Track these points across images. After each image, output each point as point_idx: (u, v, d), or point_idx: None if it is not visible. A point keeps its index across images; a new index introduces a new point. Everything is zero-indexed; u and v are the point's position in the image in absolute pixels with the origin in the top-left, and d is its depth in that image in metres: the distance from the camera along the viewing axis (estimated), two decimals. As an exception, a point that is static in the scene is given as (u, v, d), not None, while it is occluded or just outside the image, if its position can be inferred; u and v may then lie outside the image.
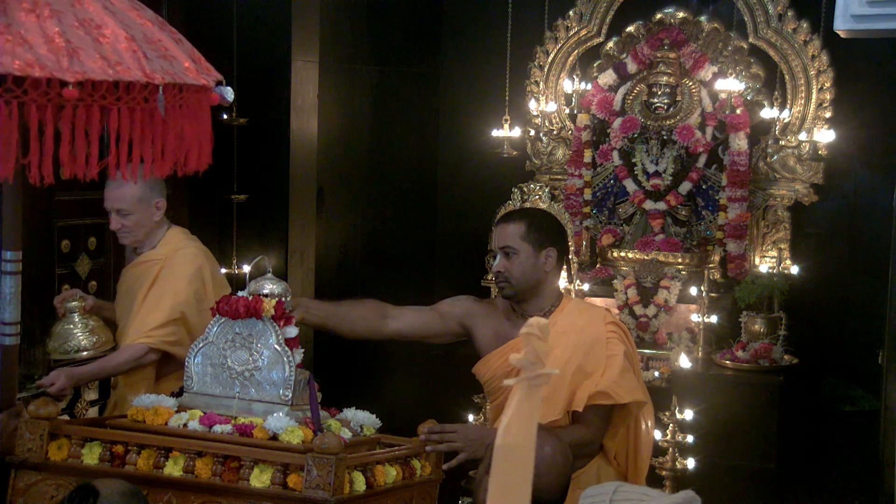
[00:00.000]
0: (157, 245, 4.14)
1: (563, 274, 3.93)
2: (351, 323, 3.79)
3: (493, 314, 3.71)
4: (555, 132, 6.89)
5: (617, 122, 6.55)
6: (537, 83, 6.88)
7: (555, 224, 3.68)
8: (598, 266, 6.57)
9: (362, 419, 3.44)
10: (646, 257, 6.37)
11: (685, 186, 6.46)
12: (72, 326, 3.97)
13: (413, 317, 3.81)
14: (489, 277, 6.60)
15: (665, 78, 6.46)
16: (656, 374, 6.02)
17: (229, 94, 3.09)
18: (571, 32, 6.81)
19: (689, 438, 5.00)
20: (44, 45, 2.59)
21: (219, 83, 3.07)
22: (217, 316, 3.36)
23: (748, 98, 6.41)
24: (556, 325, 3.53)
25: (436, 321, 3.79)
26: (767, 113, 6.33)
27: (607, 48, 6.77)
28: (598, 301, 6.38)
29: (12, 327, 3.23)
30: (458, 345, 6.52)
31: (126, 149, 2.81)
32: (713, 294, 6.19)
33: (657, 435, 5.02)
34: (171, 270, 4.09)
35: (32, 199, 4.37)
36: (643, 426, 3.64)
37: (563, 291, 3.69)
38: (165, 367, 4.09)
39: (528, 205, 6.41)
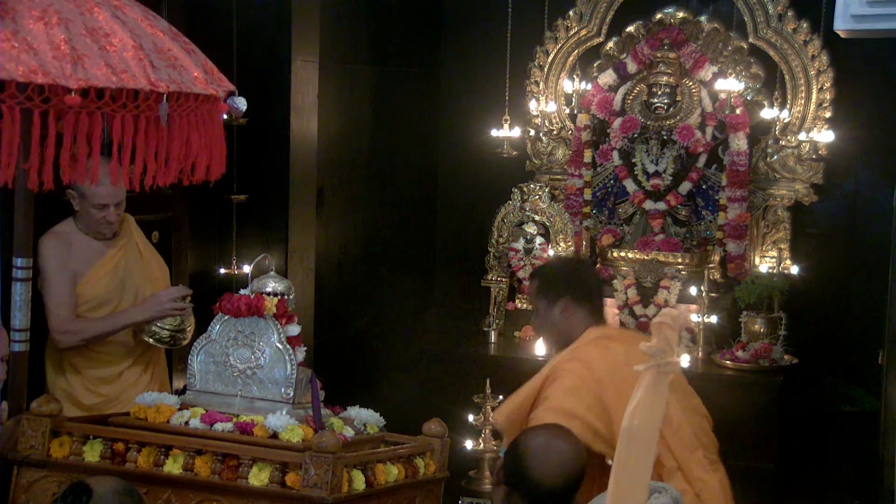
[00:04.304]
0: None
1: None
2: None
3: None
4: (555, 132, 6.89)
5: (617, 122, 6.55)
6: (537, 83, 6.87)
7: (567, 270, 3.65)
8: (598, 266, 6.57)
9: (366, 417, 3.44)
10: (646, 257, 6.37)
11: (685, 186, 6.47)
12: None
13: None
14: (489, 277, 6.61)
15: (665, 78, 6.46)
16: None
17: (242, 104, 3.11)
18: (571, 32, 6.81)
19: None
20: (49, 52, 2.60)
21: (231, 94, 3.07)
22: (219, 314, 3.37)
23: (748, 98, 6.41)
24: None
25: None
26: (767, 113, 6.33)
27: (607, 48, 6.77)
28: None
29: (22, 334, 3.25)
30: (459, 344, 6.55)
31: (129, 155, 2.82)
32: (713, 294, 6.19)
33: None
34: (141, 235, 4.41)
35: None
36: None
37: (598, 332, 3.52)
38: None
39: (527, 205, 6.47)
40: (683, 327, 1.76)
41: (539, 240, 6.43)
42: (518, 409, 3.38)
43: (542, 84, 6.87)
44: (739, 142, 6.26)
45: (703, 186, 6.53)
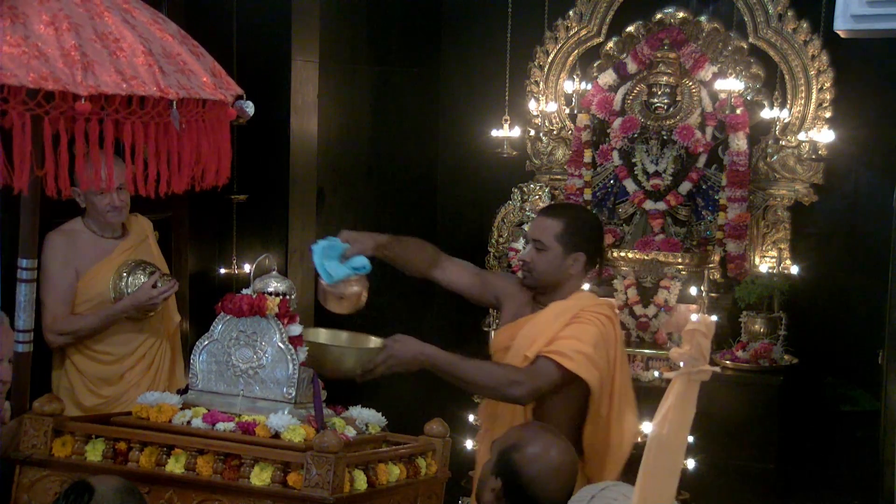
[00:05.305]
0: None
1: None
2: (405, 260, 3.88)
3: (522, 295, 3.72)
4: (555, 132, 6.89)
5: (617, 122, 6.55)
6: (537, 83, 6.88)
7: (593, 229, 3.66)
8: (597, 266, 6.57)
9: (367, 417, 3.44)
10: (646, 257, 6.37)
11: (685, 186, 6.47)
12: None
13: (459, 273, 3.84)
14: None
15: (665, 78, 6.45)
16: (656, 373, 6.02)
17: (250, 108, 3.11)
18: (571, 32, 6.81)
19: (690, 438, 5.00)
20: (60, 59, 2.60)
21: (239, 97, 3.07)
22: (221, 314, 3.37)
23: (748, 98, 6.41)
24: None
25: (476, 287, 3.85)
26: (767, 113, 6.34)
27: (607, 48, 6.77)
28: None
29: (26, 335, 3.25)
30: (459, 345, 6.55)
31: (141, 162, 2.82)
32: (713, 294, 6.19)
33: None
34: (156, 242, 4.51)
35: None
36: (615, 427, 3.57)
37: (601, 299, 3.68)
38: None
39: (527, 205, 6.47)
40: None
41: (539, 240, 6.42)
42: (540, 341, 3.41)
43: (542, 84, 6.87)
44: (739, 142, 6.26)
45: (703, 186, 6.53)
